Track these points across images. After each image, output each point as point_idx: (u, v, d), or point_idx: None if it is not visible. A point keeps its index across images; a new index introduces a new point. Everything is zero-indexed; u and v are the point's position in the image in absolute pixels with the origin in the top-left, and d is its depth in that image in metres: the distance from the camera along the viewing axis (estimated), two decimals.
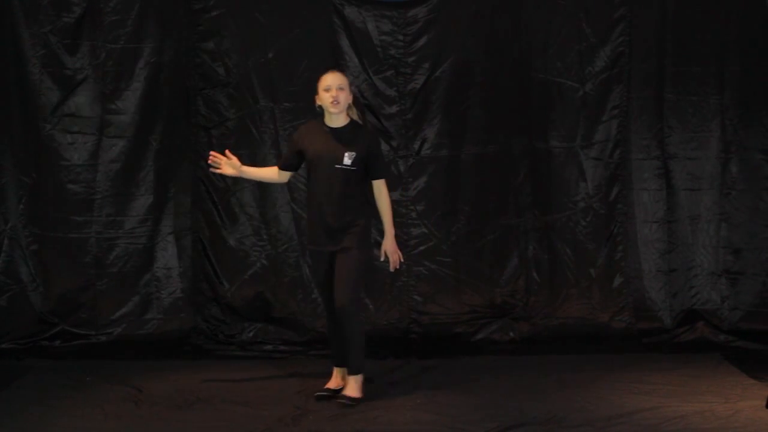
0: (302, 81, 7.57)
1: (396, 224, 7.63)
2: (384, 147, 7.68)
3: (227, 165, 6.24)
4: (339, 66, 7.62)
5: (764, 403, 5.95)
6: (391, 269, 6.27)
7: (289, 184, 7.63)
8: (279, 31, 7.63)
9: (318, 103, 6.10)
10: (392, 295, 7.73)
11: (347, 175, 6.00)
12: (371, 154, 6.07)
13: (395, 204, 7.66)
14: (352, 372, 6.15)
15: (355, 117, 6.17)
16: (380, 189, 6.12)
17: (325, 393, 6.24)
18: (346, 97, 6.03)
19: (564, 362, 7.08)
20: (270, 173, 6.40)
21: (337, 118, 6.06)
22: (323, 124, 6.11)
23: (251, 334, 7.64)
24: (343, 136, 6.04)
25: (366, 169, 6.06)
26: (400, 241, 7.65)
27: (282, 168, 6.32)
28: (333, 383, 6.33)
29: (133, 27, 7.56)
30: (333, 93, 5.99)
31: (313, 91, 7.58)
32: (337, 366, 6.35)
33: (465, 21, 7.66)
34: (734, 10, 7.62)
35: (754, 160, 7.70)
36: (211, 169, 6.36)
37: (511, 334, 7.68)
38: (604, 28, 7.67)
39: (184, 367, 7.04)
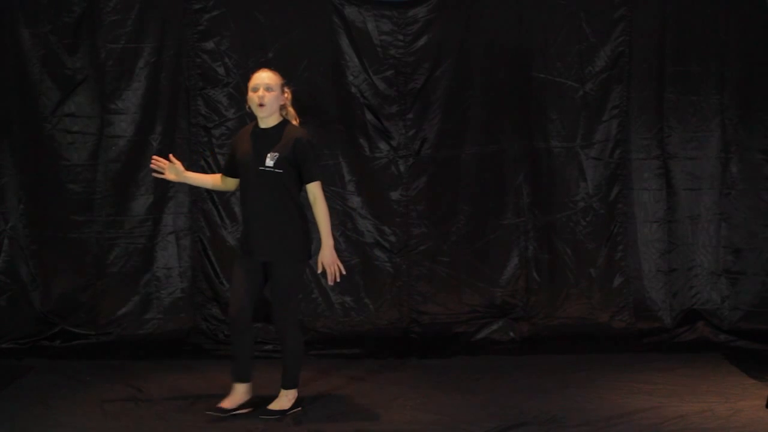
0: (302, 81, 7.57)
1: (396, 224, 7.69)
2: (384, 147, 7.70)
3: (170, 170, 5.89)
4: (338, 66, 7.63)
5: (764, 403, 5.96)
6: (330, 283, 5.79)
7: None
8: (279, 31, 7.63)
9: (248, 104, 5.79)
10: (392, 295, 7.73)
11: (273, 178, 5.62)
12: (299, 155, 5.66)
13: (395, 204, 7.69)
14: (288, 386, 5.85)
15: (291, 118, 5.84)
16: (314, 194, 5.73)
17: (218, 413, 5.75)
18: (274, 99, 5.69)
19: (564, 362, 7.08)
20: (214, 180, 6.07)
21: (267, 120, 5.73)
22: (256, 125, 5.80)
23: None
24: (270, 137, 5.70)
25: (298, 173, 5.70)
26: (401, 241, 7.68)
27: (225, 174, 5.97)
28: (232, 401, 5.84)
29: (133, 27, 7.56)
30: (260, 93, 5.67)
31: (313, 90, 7.64)
32: (238, 382, 5.85)
33: (465, 21, 7.66)
34: (734, 10, 7.62)
35: (754, 160, 7.70)
36: (154, 174, 6.00)
37: (511, 334, 7.69)
38: (604, 28, 7.67)
39: (184, 367, 7.04)
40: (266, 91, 5.67)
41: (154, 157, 5.96)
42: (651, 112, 7.73)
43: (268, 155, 5.63)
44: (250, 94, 5.71)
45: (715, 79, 7.68)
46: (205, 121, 7.65)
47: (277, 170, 5.62)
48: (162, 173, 5.93)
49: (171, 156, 5.95)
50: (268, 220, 5.66)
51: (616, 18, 7.66)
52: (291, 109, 5.85)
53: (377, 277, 7.72)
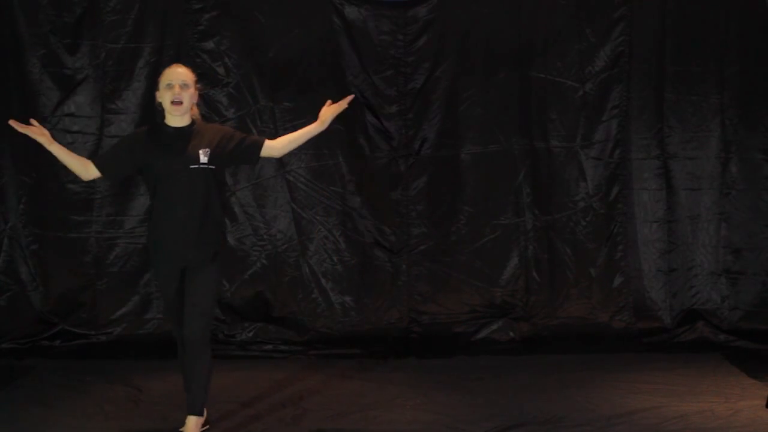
0: (302, 81, 7.58)
1: (396, 224, 7.71)
2: (384, 147, 7.70)
3: (37, 132, 5.27)
4: (338, 66, 7.63)
5: (764, 403, 5.96)
6: (348, 101, 5.51)
7: (289, 183, 7.65)
8: (279, 31, 7.63)
9: (158, 100, 5.36)
10: (392, 295, 7.73)
11: (207, 175, 5.27)
12: (231, 138, 5.38)
13: (395, 204, 7.69)
14: (195, 412, 5.37)
15: (198, 117, 5.49)
16: (274, 144, 5.48)
17: None
18: (190, 97, 5.31)
19: (564, 362, 7.08)
20: (79, 162, 5.42)
21: (180, 118, 5.32)
22: (164, 124, 5.35)
23: (251, 334, 7.64)
24: (189, 135, 5.30)
25: (236, 159, 5.46)
26: (401, 241, 7.69)
27: (102, 168, 5.37)
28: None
29: (133, 27, 7.56)
30: (175, 91, 5.26)
31: (314, 91, 7.64)
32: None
33: (465, 21, 7.66)
34: (734, 10, 7.62)
35: (754, 160, 7.70)
36: (12, 122, 5.28)
37: (511, 334, 7.69)
38: (604, 28, 7.67)
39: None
40: (182, 88, 5.27)
41: (12, 121, 5.29)
42: (651, 112, 7.73)
43: (201, 151, 5.25)
44: (163, 91, 5.29)
45: (715, 79, 7.68)
46: (205, 121, 7.64)
47: (210, 166, 5.27)
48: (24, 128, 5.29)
49: (32, 120, 5.36)
50: (200, 222, 5.26)
51: (616, 18, 7.66)
52: (196, 109, 5.47)
53: (377, 277, 7.72)
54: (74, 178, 7.55)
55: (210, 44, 7.62)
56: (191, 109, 5.38)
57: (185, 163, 5.23)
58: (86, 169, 5.39)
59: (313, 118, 7.55)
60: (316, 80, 7.65)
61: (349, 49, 7.66)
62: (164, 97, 5.29)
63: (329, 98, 7.57)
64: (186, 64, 5.59)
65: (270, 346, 7.52)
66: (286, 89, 7.64)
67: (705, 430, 5.55)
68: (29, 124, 5.32)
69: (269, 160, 7.63)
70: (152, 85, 7.58)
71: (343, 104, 5.50)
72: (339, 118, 7.61)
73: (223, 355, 7.39)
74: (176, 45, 7.60)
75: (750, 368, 6.81)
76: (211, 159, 5.27)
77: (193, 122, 5.38)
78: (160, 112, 5.39)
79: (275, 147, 5.51)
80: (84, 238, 7.62)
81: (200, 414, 5.40)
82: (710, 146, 7.75)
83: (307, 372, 6.89)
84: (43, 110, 7.56)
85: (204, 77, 7.62)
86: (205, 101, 7.63)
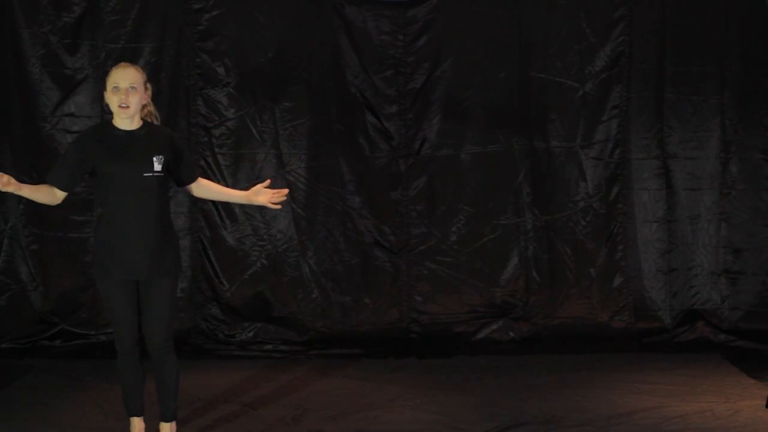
0: (302, 81, 7.58)
1: (396, 224, 7.70)
2: (384, 147, 7.70)
3: (4, 182, 4.83)
4: (338, 66, 7.63)
5: (764, 403, 5.95)
6: (280, 198, 5.25)
7: (289, 183, 7.64)
8: (279, 31, 7.63)
9: (106, 101, 5.07)
10: (392, 295, 7.73)
11: (159, 183, 5.02)
12: (178, 154, 5.14)
13: (395, 204, 7.69)
14: (168, 419, 5.26)
15: (151, 117, 5.20)
16: (201, 183, 5.28)
17: None
18: (139, 100, 5.00)
19: (564, 362, 7.08)
20: (47, 195, 5.07)
21: (129, 121, 5.02)
22: (112, 126, 5.05)
23: (251, 334, 7.64)
24: (141, 140, 5.03)
25: (172, 174, 5.14)
26: (401, 241, 7.69)
27: (65, 187, 5.04)
28: None
29: (133, 27, 7.56)
30: (121, 95, 4.95)
31: (313, 90, 7.64)
32: (137, 415, 5.31)
33: (465, 21, 7.66)
34: (734, 10, 7.62)
35: (754, 160, 7.70)
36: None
37: (511, 334, 7.68)
38: (604, 28, 7.67)
39: (184, 367, 6.90)
40: (130, 91, 4.95)
41: None
42: (651, 112, 7.73)
43: (155, 159, 4.99)
44: (110, 93, 4.98)
45: (715, 79, 7.68)
46: (205, 121, 7.65)
47: (162, 174, 5.03)
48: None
49: None
50: (153, 232, 5.01)
51: (616, 18, 7.66)
52: (152, 108, 5.20)
53: (377, 277, 7.72)
54: None
55: (210, 44, 7.62)
56: (146, 108, 5.12)
57: (139, 171, 4.97)
58: (54, 195, 5.07)
59: (314, 118, 7.56)
60: (316, 80, 7.65)
61: (349, 49, 7.65)
62: (111, 100, 4.99)
63: (329, 98, 7.68)
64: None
65: (270, 346, 7.52)
66: (286, 89, 7.64)
67: (705, 430, 5.55)
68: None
69: (270, 159, 7.64)
70: (152, 85, 7.58)
71: (280, 196, 5.25)
72: (339, 118, 7.69)
73: (223, 355, 7.40)
74: (176, 45, 7.60)
75: (750, 368, 6.80)
76: (164, 167, 5.03)
77: (143, 124, 5.08)
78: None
79: (199, 187, 5.30)
80: (84, 238, 7.62)
81: (173, 419, 5.28)
82: (710, 146, 7.75)
83: (307, 372, 6.89)
84: (43, 110, 7.56)
85: (204, 77, 7.63)
86: (205, 101, 7.63)
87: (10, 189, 4.86)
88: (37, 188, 5.08)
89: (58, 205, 7.56)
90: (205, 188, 5.33)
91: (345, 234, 7.69)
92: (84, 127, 7.58)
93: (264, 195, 5.24)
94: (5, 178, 4.82)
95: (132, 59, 7.52)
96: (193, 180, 5.25)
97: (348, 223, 7.70)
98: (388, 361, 7.19)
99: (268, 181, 5.28)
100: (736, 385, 6.45)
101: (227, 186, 7.56)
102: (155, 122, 5.20)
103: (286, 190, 5.32)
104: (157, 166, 4.99)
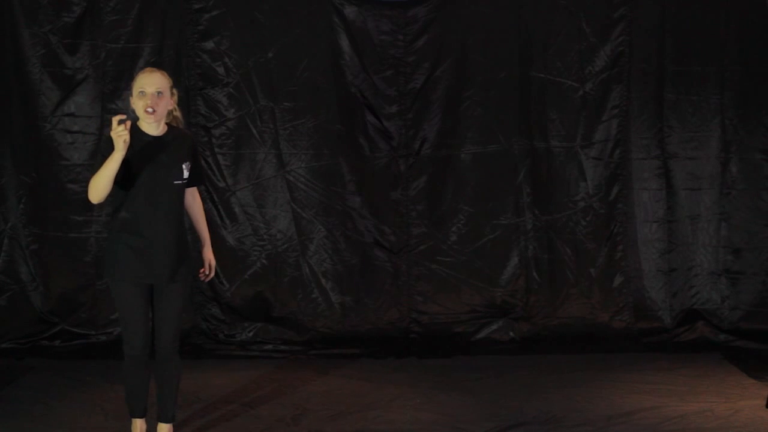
0: (302, 81, 7.58)
1: (396, 224, 7.70)
2: (384, 147, 7.70)
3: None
4: (338, 66, 7.63)
5: (764, 402, 5.96)
6: (206, 279, 5.43)
7: (289, 183, 7.65)
8: (279, 31, 7.62)
9: (131, 106, 5.04)
10: (392, 295, 7.73)
11: (180, 191, 5.08)
12: (195, 157, 5.19)
13: (395, 204, 7.69)
14: (168, 420, 5.28)
15: (177, 122, 5.19)
16: (196, 195, 5.34)
17: None
18: (165, 105, 4.99)
19: (564, 362, 7.08)
20: (111, 183, 4.93)
21: (156, 126, 5.01)
22: (140, 132, 5.00)
23: (251, 334, 7.64)
24: (172, 145, 5.05)
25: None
26: (401, 241, 7.69)
27: (123, 186, 4.98)
28: None
29: (133, 27, 7.56)
30: (147, 99, 4.93)
31: (313, 90, 7.64)
32: (140, 417, 5.32)
33: (465, 21, 7.66)
34: (734, 10, 7.63)
35: (754, 160, 7.70)
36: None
37: (511, 334, 7.69)
38: (604, 28, 7.67)
39: (184, 367, 7.00)
40: (156, 96, 4.94)
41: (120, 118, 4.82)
42: (651, 112, 7.73)
43: (184, 166, 5.04)
44: (136, 98, 4.97)
45: (715, 79, 7.69)
46: (205, 120, 7.65)
47: (185, 181, 5.10)
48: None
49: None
50: (177, 237, 5.08)
51: (616, 18, 7.66)
52: (178, 113, 5.20)
53: (377, 277, 7.72)
54: (74, 178, 7.59)
55: (210, 44, 7.62)
56: (171, 113, 5.12)
57: (170, 178, 5.01)
58: (109, 188, 4.95)
59: (314, 118, 7.56)
60: (316, 80, 7.65)
61: (349, 49, 7.65)
62: (137, 104, 4.96)
63: (329, 98, 7.67)
64: (161, 68, 5.31)
65: (270, 346, 7.52)
66: (286, 89, 7.64)
67: (705, 430, 5.55)
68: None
69: (270, 159, 7.64)
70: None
71: (204, 275, 5.37)
72: (339, 118, 7.69)
73: (223, 355, 7.40)
74: (176, 45, 7.60)
75: (750, 368, 6.81)
76: (188, 174, 5.10)
77: (169, 129, 5.08)
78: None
79: (192, 195, 5.31)
80: (84, 238, 7.62)
81: (173, 420, 5.30)
82: (710, 146, 7.75)
83: (307, 372, 6.89)
84: (43, 110, 7.56)
85: (204, 77, 7.63)
86: (205, 101, 7.63)
87: (122, 139, 4.71)
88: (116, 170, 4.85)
89: (58, 205, 7.65)
90: (192, 201, 5.32)
91: (345, 234, 7.69)
92: (84, 127, 7.61)
93: (206, 265, 5.37)
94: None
95: (132, 59, 7.56)
96: (195, 185, 5.28)
97: (348, 223, 7.70)
98: (388, 361, 7.19)
99: (213, 268, 5.40)
100: (736, 385, 6.45)
101: (227, 186, 7.63)
102: (178, 125, 5.19)
103: (212, 274, 5.42)
104: (186, 174, 5.06)
